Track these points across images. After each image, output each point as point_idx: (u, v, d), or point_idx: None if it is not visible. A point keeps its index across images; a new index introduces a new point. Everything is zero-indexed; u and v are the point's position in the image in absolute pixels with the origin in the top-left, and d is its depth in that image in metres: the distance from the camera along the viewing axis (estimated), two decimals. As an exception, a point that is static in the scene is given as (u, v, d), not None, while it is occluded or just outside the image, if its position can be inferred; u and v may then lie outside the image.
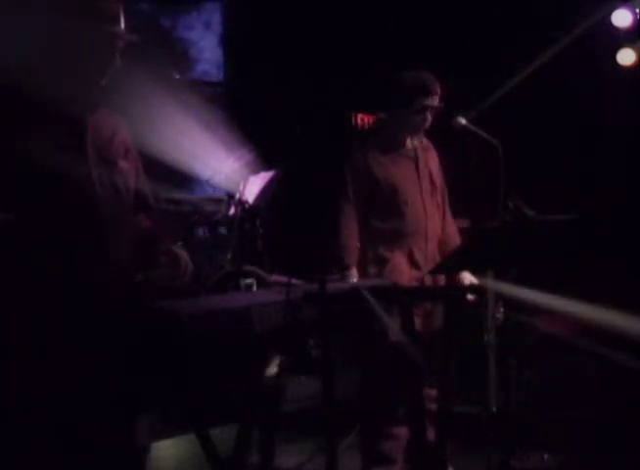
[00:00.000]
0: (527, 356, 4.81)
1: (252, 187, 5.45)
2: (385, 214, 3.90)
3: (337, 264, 3.85)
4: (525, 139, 5.64)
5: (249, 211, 5.31)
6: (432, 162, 4.05)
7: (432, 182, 4.00)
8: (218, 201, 5.70)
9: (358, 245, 3.91)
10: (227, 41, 7.39)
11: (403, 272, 3.82)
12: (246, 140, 5.22)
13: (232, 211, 5.49)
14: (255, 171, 5.45)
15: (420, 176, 3.97)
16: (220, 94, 7.13)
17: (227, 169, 5.25)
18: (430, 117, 3.94)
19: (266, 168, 5.53)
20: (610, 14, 5.96)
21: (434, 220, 3.96)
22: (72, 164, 2.36)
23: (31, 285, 2.32)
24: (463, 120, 3.91)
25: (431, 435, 3.40)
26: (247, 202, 5.30)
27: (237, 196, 5.31)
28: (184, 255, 2.68)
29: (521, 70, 5.80)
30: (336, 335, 2.62)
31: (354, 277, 3.81)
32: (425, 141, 4.07)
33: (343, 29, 6.46)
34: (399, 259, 3.87)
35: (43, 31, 2.45)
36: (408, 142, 4.00)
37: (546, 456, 4.13)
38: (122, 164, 2.55)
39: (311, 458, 4.00)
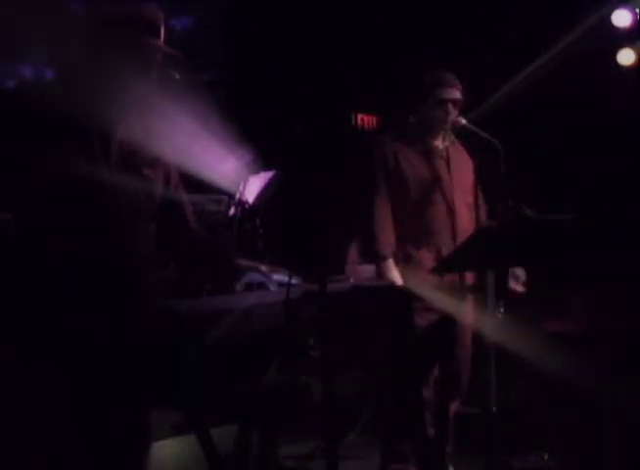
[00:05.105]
0: (527, 356, 4.80)
1: (252, 187, 5.44)
2: (412, 212, 3.91)
3: (372, 257, 3.84)
4: (525, 139, 5.64)
5: (249, 211, 5.31)
6: (464, 162, 4.02)
7: (464, 182, 3.96)
8: (218, 201, 5.69)
9: (394, 239, 3.89)
10: (227, 40, 7.38)
11: (427, 269, 3.78)
12: (246, 140, 5.21)
13: (232, 211, 5.49)
14: (255, 171, 5.44)
15: (452, 175, 3.97)
16: (220, 93, 7.12)
17: (227, 170, 5.24)
18: (453, 111, 3.93)
19: (266, 168, 5.52)
20: (610, 14, 5.96)
21: (464, 219, 3.93)
22: (95, 173, 2.42)
23: (44, 283, 2.38)
24: (463, 120, 3.92)
25: (431, 434, 3.40)
26: (247, 202, 5.30)
27: (237, 196, 5.31)
28: None
29: (521, 70, 5.81)
30: (336, 335, 2.62)
31: (392, 269, 3.80)
32: (457, 143, 4.05)
33: (345, 29, 6.45)
34: (425, 257, 3.87)
35: (81, 43, 2.47)
36: (439, 141, 4.01)
37: (546, 456, 4.13)
38: (147, 171, 2.59)
39: (311, 458, 4.01)
